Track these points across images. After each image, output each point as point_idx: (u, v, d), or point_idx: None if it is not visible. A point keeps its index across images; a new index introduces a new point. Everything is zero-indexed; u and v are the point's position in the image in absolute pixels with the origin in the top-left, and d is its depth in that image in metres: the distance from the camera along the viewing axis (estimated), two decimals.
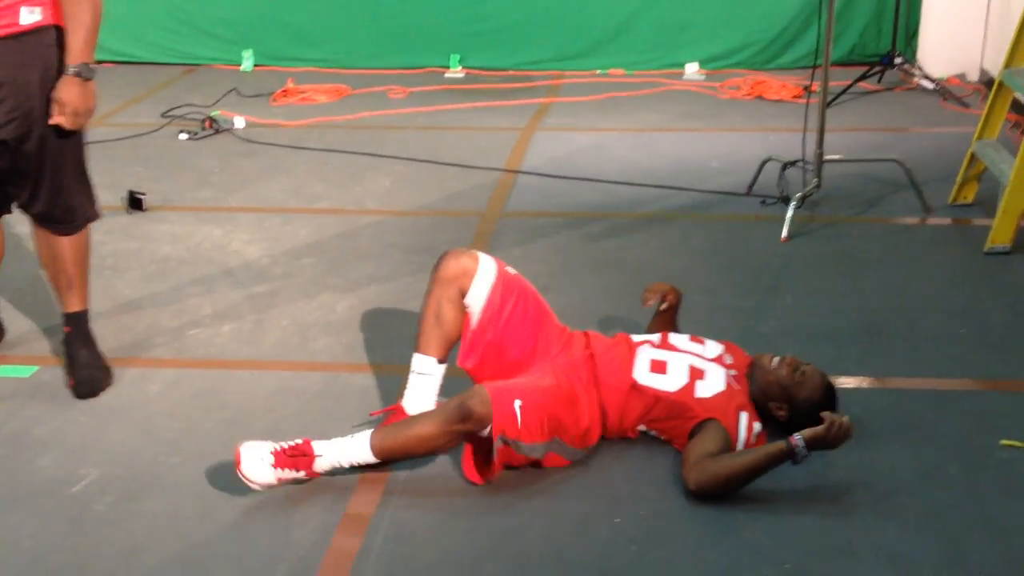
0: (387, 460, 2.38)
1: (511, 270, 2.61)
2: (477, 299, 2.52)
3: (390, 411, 2.59)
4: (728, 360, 2.61)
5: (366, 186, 4.60)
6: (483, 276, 2.53)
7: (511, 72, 6.56)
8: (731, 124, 5.49)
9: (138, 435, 2.66)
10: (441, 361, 2.57)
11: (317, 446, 2.34)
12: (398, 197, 4.47)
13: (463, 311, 2.54)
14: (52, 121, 2.57)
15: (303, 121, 5.54)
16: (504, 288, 2.54)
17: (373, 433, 2.36)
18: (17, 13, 2.51)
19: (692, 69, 6.54)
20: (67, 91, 2.55)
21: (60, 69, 2.58)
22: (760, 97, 5.95)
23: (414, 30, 6.65)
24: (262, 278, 3.63)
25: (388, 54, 6.66)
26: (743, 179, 4.46)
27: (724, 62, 6.57)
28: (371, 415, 2.67)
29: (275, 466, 2.28)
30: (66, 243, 2.79)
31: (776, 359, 2.57)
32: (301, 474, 2.33)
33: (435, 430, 2.34)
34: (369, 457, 2.35)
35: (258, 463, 2.27)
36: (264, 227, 4.10)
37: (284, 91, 6.02)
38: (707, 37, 6.62)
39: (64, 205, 2.75)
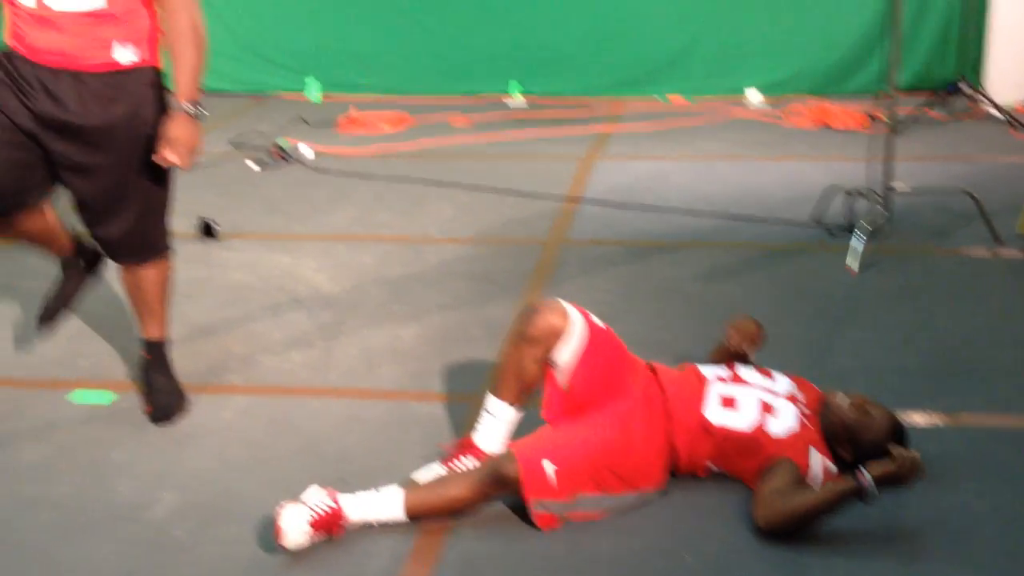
0: (417, 519, 2.39)
1: (598, 322, 2.59)
2: (564, 359, 2.51)
3: (460, 444, 2.61)
4: (800, 397, 2.59)
5: (429, 214, 4.65)
6: (572, 337, 2.49)
7: (571, 99, 6.62)
8: (795, 152, 5.47)
9: (213, 461, 2.72)
10: (516, 405, 2.57)
11: (347, 507, 2.34)
12: (461, 225, 4.51)
13: (546, 366, 2.53)
14: (159, 159, 2.61)
15: (367, 149, 5.62)
16: (591, 345, 2.51)
17: (406, 494, 2.38)
18: (112, 49, 2.59)
19: (754, 96, 6.53)
20: (178, 128, 2.59)
21: (155, 109, 2.65)
22: (825, 125, 5.92)
23: (475, 58, 6.74)
24: (330, 305, 3.69)
25: (450, 82, 6.75)
26: (808, 209, 4.43)
27: (786, 88, 6.56)
28: (440, 447, 2.70)
29: (312, 534, 2.31)
30: (151, 273, 2.87)
31: (844, 398, 2.55)
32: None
33: (469, 494, 2.38)
34: (400, 516, 2.38)
35: (297, 534, 2.29)
36: (331, 255, 4.17)
37: (348, 119, 6.12)
38: (768, 63, 6.62)
39: (141, 240, 2.82)
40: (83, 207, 2.77)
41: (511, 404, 2.56)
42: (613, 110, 6.42)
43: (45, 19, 2.54)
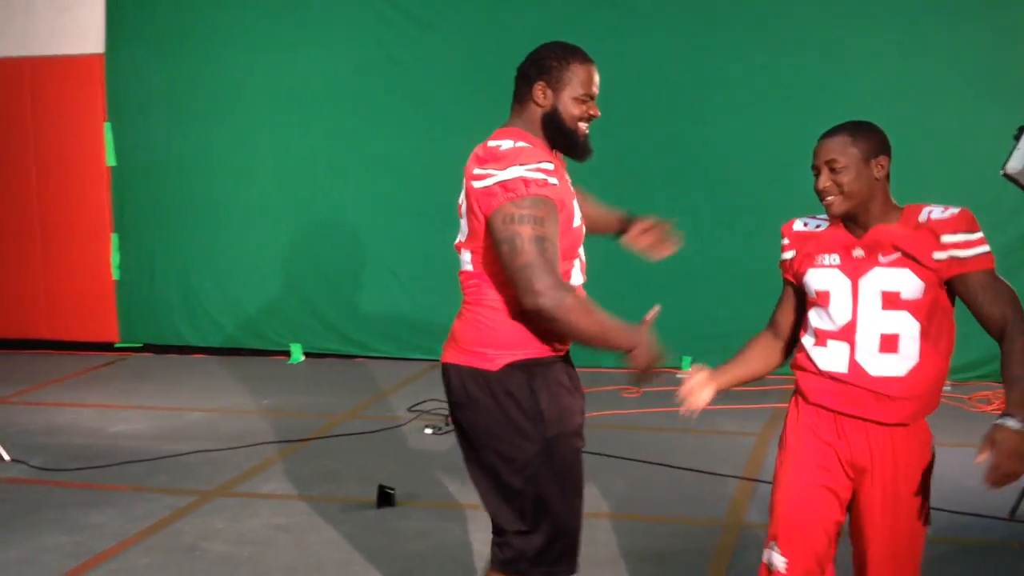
0: None
1: None
2: None
3: None
4: None
5: (600, 487, 4.61)
6: None
7: None
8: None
9: None
10: None
11: None
12: (633, 500, 4.44)
13: None
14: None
15: None
16: None
17: None
18: None
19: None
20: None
21: None
22: None
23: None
24: None
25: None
26: (1005, 501, 4.17)
27: (970, 374, 6.33)
28: None
29: None
30: None
31: None
32: None
33: None
34: None
35: None
36: None
37: None
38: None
39: None
40: None
41: None
42: (787, 387, 6.33)
43: None
